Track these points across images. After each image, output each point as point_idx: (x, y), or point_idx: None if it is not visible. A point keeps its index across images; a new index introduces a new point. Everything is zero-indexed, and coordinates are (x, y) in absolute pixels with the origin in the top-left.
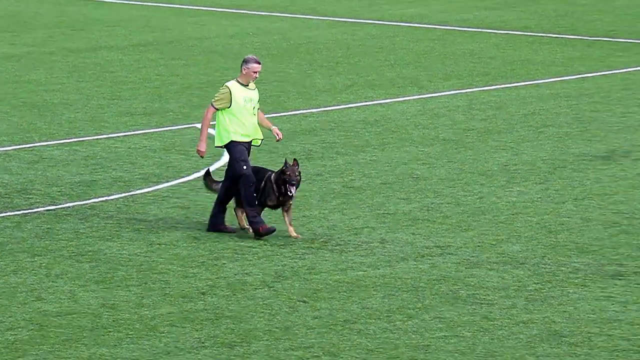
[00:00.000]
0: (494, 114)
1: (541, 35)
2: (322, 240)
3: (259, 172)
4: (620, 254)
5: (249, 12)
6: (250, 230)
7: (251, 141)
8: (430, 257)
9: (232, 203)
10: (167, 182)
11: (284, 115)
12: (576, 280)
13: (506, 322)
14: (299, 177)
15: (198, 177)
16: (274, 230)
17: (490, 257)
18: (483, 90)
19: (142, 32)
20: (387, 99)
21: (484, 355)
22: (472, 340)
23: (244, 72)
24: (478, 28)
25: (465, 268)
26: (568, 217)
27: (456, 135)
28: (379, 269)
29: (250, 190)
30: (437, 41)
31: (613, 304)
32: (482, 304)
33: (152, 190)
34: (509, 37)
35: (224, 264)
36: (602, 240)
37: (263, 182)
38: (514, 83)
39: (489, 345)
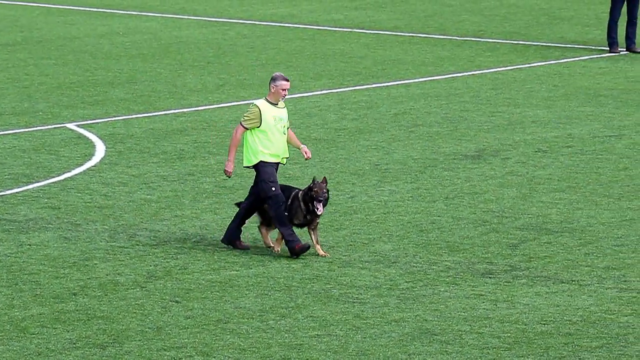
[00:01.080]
0: (365, 114)
1: (411, 35)
2: (194, 240)
3: (286, 190)
4: (490, 253)
5: (119, 11)
6: (275, 249)
7: (279, 161)
8: (302, 257)
9: (254, 219)
10: (37, 182)
11: (155, 115)
12: (447, 279)
13: (378, 321)
14: (326, 195)
15: (68, 177)
16: (309, 247)
17: (363, 256)
18: (354, 89)
19: (10, 31)
20: (258, 98)
21: (357, 353)
22: (344, 339)
23: (272, 90)
24: (348, 28)
25: (338, 267)
26: (439, 216)
27: (328, 135)
28: (251, 268)
29: (281, 210)
30: (308, 41)
31: (483, 302)
32: (354, 302)
33: (22, 191)
34: (379, 37)
35: (96, 264)
36: (472, 238)
37: (290, 200)
38: (384, 83)
39: (361, 343)
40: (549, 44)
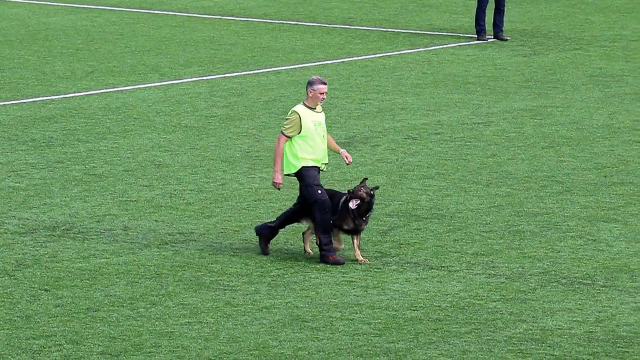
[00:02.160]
0: (235, 101)
1: (280, 23)
2: (64, 228)
3: (334, 195)
4: (361, 239)
5: None
6: (338, 247)
7: (319, 166)
8: (173, 244)
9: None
10: None
11: (23, 102)
12: (318, 266)
13: (249, 308)
14: (363, 194)
15: None
16: (343, 263)
17: (234, 244)
18: (224, 77)
19: None
20: (128, 85)
21: (228, 340)
22: (215, 326)
23: (310, 95)
24: (218, 15)
25: (209, 254)
26: None
27: (198, 122)
28: (121, 256)
29: (327, 216)
30: (177, 28)
31: (354, 289)
32: (225, 290)
33: None
34: (249, 24)
35: None
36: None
37: (339, 206)
38: (254, 70)
39: (232, 330)
40: (418, 32)
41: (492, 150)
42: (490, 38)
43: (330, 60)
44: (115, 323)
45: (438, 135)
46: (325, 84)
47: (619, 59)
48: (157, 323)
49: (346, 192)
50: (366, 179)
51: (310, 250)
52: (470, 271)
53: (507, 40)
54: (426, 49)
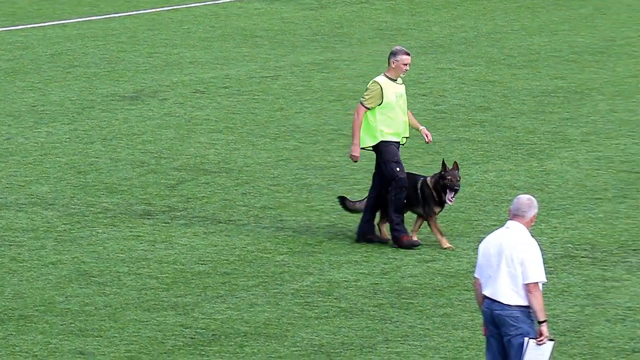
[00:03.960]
0: (20, 54)
1: None
2: None
3: (408, 177)
4: (148, 194)
5: None
6: (444, 245)
7: (399, 140)
8: None
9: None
10: None
11: None
12: (105, 221)
13: (35, 264)
14: (459, 184)
15: None
16: (418, 244)
17: (19, 199)
18: (9, 30)
19: None
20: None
21: (13, 296)
22: (0, 282)
23: (392, 66)
24: None
25: None
26: (97, 158)
27: None
28: None
29: (401, 195)
30: None
31: (141, 243)
32: (10, 245)
33: None
34: None
35: None
36: (130, 180)
37: (419, 188)
38: (40, 23)
39: (17, 286)
40: None
41: (280, 103)
42: None
43: (117, 13)
44: None
45: (226, 89)
46: (408, 54)
47: (404, 12)
48: None
49: (425, 176)
50: (444, 161)
51: (388, 236)
52: (258, 225)
53: None
54: (214, 2)
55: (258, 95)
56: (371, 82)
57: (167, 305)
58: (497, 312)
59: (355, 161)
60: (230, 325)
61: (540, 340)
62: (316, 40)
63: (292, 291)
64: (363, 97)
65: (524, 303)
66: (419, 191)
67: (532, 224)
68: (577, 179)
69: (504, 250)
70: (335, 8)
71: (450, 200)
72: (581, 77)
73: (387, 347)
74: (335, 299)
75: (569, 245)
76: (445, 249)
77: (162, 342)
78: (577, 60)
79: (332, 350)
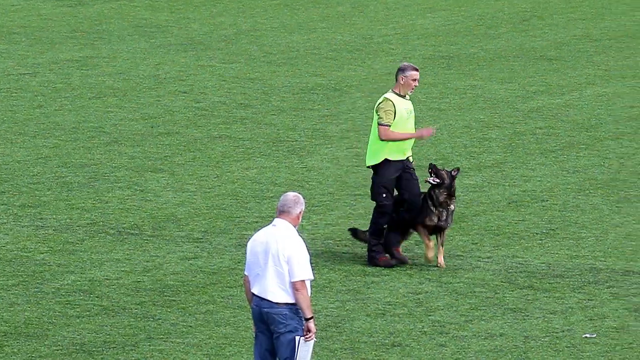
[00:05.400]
0: None
1: None
2: None
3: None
4: None
5: None
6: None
7: (403, 159)
8: None
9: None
10: None
11: None
12: None
13: None
14: (445, 175)
15: None
16: (394, 265)
17: None
18: None
19: None
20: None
21: None
22: None
23: (401, 82)
24: None
25: None
26: None
27: None
28: None
29: (382, 220)
30: None
31: None
32: None
33: None
34: None
35: None
36: None
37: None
38: None
39: None
40: None
41: (39, 101)
42: None
43: None
44: None
45: None
46: (417, 70)
47: (163, 9)
48: None
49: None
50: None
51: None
52: (18, 223)
53: None
54: None
55: (16, 93)
56: (382, 99)
57: None
58: (265, 309)
59: (433, 134)
60: None
61: (308, 337)
62: (75, 37)
63: (53, 290)
64: (380, 118)
65: (292, 300)
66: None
67: (299, 221)
68: (337, 176)
69: (271, 248)
70: (94, 5)
71: (432, 182)
72: (340, 74)
73: (149, 345)
74: (97, 297)
75: (330, 241)
76: (439, 265)
77: None
78: (336, 57)
79: (94, 349)
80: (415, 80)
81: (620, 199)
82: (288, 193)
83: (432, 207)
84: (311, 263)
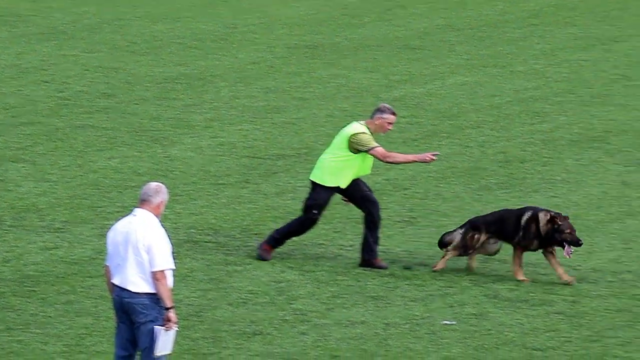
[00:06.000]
0: None
1: None
2: None
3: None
4: None
5: None
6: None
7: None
8: None
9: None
10: None
11: None
12: None
13: None
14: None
15: None
16: (266, 260)
17: None
18: None
19: None
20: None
21: None
22: None
23: (376, 122)
24: None
25: None
26: None
27: None
28: None
29: (299, 229)
30: None
31: None
32: None
33: None
34: None
35: None
36: None
37: (526, 222)
38: None
39: None
40: None
41: None
42: None
43: None
44: None
45: None
46: (395, 115)
47: None
48: None
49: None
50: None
51: (473, 265)
52: None
53: None
54: None
55: None
56: (357, 132)
57: None
58: (126, 299)
59: (434, 158)
60: None
61: (168, 327)
62: None
63: None
64: (366, 146)
65: (152, 290)
66: (519, 224)
67: (161, 210)
68: (201, 165)
69: (130, 238)
70: None
71: (568, 255)
72: (204, 63)
73: (9, 336)
74: None
75: (192, 230)
76: (520, 281)
77: None
78: (200, 47)
79: None
80: (390, 124)
81: (480, 187)
82: (150, 182)
83: (534, 234)
84: (173, 252)
